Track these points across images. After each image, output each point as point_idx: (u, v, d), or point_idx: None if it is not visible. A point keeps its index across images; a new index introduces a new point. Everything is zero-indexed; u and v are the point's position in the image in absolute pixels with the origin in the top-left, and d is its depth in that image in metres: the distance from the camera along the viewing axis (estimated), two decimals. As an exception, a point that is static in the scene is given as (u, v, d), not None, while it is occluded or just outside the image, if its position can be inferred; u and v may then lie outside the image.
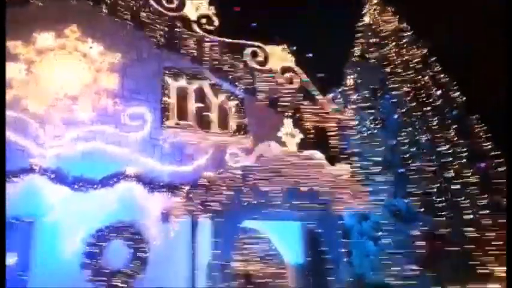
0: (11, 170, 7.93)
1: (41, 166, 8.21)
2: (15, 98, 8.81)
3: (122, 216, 8.56)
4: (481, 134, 9.96)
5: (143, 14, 10.46)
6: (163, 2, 10.49)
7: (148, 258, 8.42)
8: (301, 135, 10.71)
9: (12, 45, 9.17)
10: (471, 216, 8.45)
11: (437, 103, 10.34)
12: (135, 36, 10.56)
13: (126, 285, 8.00)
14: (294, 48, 11.67)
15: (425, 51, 11.46)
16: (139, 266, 8.25)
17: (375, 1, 12.30)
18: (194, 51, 10.67)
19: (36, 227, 7.99)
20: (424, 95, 10.51)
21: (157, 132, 9.80)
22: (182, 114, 10.39)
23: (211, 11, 10.95)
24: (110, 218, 8.46)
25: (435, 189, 8.85)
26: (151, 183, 9.05)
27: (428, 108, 10.19)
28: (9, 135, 8.38)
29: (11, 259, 7.67)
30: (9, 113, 8.52)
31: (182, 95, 10.65)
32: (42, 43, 9.47)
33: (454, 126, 9.81)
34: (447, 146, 9.46)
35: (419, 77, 10.91)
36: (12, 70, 8.96)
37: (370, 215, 9.29)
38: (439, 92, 10.51)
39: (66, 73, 9.42)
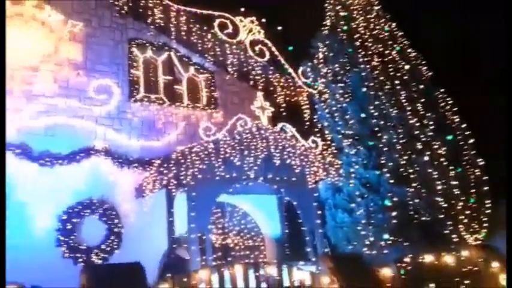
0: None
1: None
2: (-31, 68, 8.14)
3: (93, 192, 8.28)
4: (448, 107, 10.31)
5: (105, -19, 9.82)
6: (127, -32, 9.86)
7: (124, 234, 8.27)
8: (272, 109, 10.67)
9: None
10: (440, 186, 8.76)
11: (405, 77, 10.51)
12: (97, 3, 9.99)
13: (103, 261, 7.81)
14: (263, 20, 11.46)
15: (393, 25, 11.59)
16: (115, 241, 8.09)
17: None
18: (160, 20, 10.20)
19: (5, 204, 7.55)
20: (392, 69, 10.65)
21: (125, 106, 9.43)
22: (150, 87, 10.05)
23: (175, -21, 10.41)
24: (80, 194, 8.17)
25: (405, 161, 9.10)
26: (120, 158, 8.77)
27: (397, 82, 10.34)
28: (-36, 108, 7.81)
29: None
30: (-38, 84, 7.95)
31: (150, 67, 10.28)
32: (-3, 10, 8.75)
33: (421, 100, 10.04)
34: (415, 119, 9.69)
35: (388, 51, 11.02)
36: (-36, 37, 8.25)
37: (343, 187, 9.47)
38: (407, 67, 10.68)
39: (24, 43, 8.77)
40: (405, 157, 9.20)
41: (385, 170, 9.14)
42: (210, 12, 10.74)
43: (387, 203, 8.78)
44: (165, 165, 8.03)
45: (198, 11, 10.58)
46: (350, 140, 9.91)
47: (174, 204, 8.19)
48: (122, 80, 9.62)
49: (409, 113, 9.78)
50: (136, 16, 10.26)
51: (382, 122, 9.73)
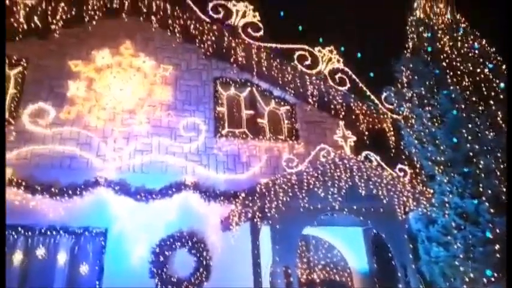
0: (80, 183, 8.36)
1: (106, 178, 8.54)
2: (78, 115, 9.25)
3: (183, 225, 8.72)
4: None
5: (191, 26, 10.59)
6: (211, 13, 10.56)
7: (212, 266, 8.51)
8: (355, 138, 10.48)
9: (74, 64, 9.68)
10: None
11: (501, 96, 9.69)
12: (184, 48, 10.80)
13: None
14: (342, 49, 11.44)
15: (483, 42, 10.86)
16: (204, 273, 8.35)
17: (426, -6, 11.87)
18: (242, 58, 10.67)
19: (105, 237, 8.30)
20: (485, 88, 9.90)
21: (211, 142, 9.90)
22: (234, 122, 10.47)
23: (256, 18, 10.89)
24: (171, 227, 8.64)
25: (506, 188, 8.27)
26: (207, 192, 9.13)
27: (491, 102, 9.57)
28: (75, 150, 8.85)
29: (83, 268, 8.08)
30: (73, 129, 9.06)
31: (233, 103, 10.75)
32: (100, 61, 9.88)
33: (522, 120, 9.13)
34: (515, 141, 8.82)
35: (479, 69, 10.30)
36: (74, 87, 9.44)
37: (436, 218, 8.84)
38: (502, 85, 9.85)
39: (122, 88, 9.75)
40: (506, 183, 8.37)
41: (483, 198, 8.37)
42: (289, 46, 10.99)
43: (488, 235, 8.00)
44: (250, 198, 8.22)
45: (278, 46, 10.88)
46: (442, 166, 9.27)
47: (260, 237, 8.28)
48: (208, 117, 10.17)
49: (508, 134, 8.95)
50: (220, 56, 10.87)
51: (477, 146, 9.00)
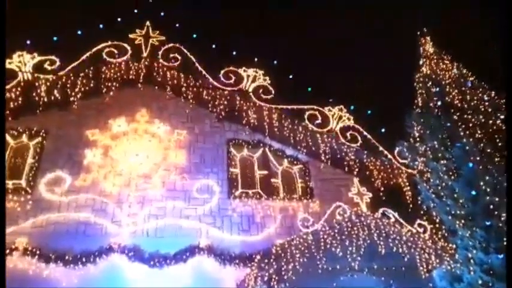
0: (94, 250, 8.31)
1: (120, 244, 8.48)
2: (93, 181, 9.43)
3: (198, 291, 8.47)
4: None
5: (204, 92, 11.01)
6: (222, 79, 11.01)
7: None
8: (370, 194, 10.36)
9: (91, 133, 10.03)
10: None
11: (517, 147, 9.58)
12: (198, 113, 11.13)
13: None
14: (352, 107, 11.62)
15: (493, 93, 10.94)
16: None
17: (431, 51, 12.22)
18: (254, 120, 10.92)
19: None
20: (499, 139, 9.82)
21: (225, 203, 9.87)
22: (248, 182, 10.49)
23: (266, 81, 11.27)
24: (186, 293, 8.40)
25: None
26: (222, 255, 8.94)
27: (507, 152, 9.43)
28: (90, 216, 8.90)
29: None
30: (88, 196, 9.18)
31: (246, 164, 10.84)
32: (117, 129, 10.23)
33: (541, 169, 8.94)
34: (537, 192, 8.58)
35: (491, 121, 10.29)
36: (90, 155, 9.70)
37: (462, 276, 8.41)
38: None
39: (138, 153, 9.97)
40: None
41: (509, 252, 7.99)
42: (299, 106, 11.25)
43: (519, 292, 7.52)
44: (266, 260, 8.00)
45: (289, 106, 11.14)
46: (463, 220, 8.97)
47: (277, 301, 7.94)
48: (221, 179, 10.22)
49: (527, 185, 8.71)
50: (232, 119, 11.17)
51: (497, 199, 8.75)
